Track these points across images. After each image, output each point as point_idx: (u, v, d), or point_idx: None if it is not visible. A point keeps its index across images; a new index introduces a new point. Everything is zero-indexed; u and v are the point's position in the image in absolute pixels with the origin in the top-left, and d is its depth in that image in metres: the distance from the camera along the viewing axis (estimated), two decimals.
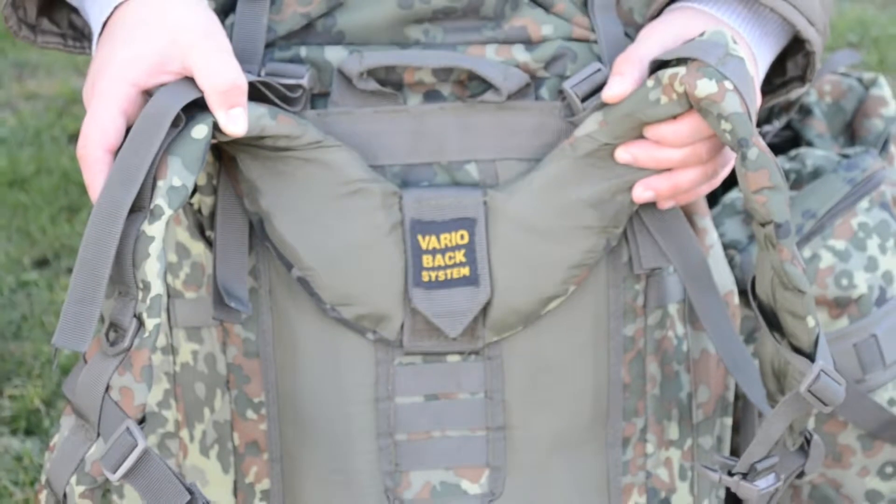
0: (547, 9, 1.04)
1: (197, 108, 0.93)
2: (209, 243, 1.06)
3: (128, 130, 0.92)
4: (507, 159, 1.04)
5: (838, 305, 1.23)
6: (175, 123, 0.91)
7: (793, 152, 1.34)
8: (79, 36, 1.08)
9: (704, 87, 0.95)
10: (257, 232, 1.03)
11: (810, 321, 0.98)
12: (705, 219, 1.12)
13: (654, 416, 1.10)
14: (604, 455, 1.09)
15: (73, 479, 0.94)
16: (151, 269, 0.89)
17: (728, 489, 1.10)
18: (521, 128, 1.03)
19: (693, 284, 1.07)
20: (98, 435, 0.92)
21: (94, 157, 0.92)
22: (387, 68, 1.02)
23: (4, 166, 2.66)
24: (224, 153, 1.02)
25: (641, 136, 1.01)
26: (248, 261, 1.04)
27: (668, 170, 1.02)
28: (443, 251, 1.02)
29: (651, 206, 1.05)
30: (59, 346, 0.90)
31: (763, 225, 0.97)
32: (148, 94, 0.94)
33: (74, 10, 1.07)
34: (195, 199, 1.05)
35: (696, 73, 0.95)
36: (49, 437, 1.89)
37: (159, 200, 0.89)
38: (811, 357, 0.98)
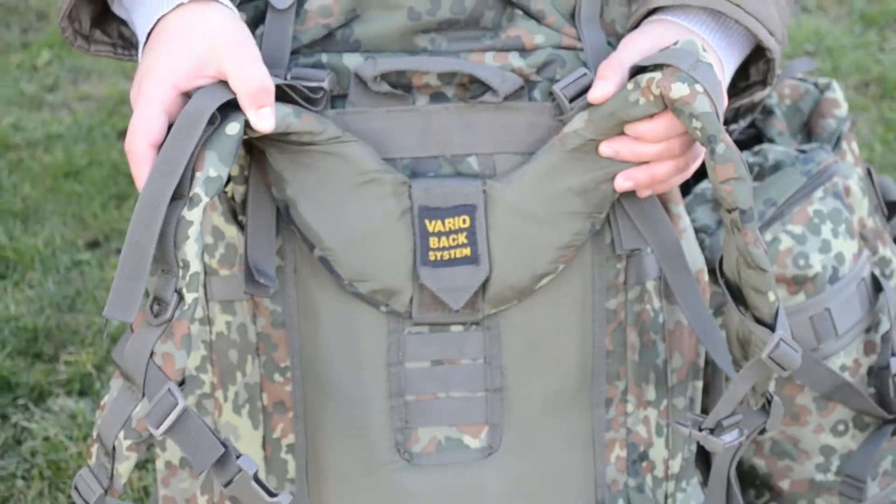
0: (539, 21, 1.04)
1: (230, 108, 0.93)
2: (241, 227, 1.06)
3: (169, 128, 0.92)
4: (503, 153, 1.04)
5: (796, 283, 1.23)
6: (211, 121, 0.91)
7: (756, 148, 1.34)
8: (127, 45, 1.08)
9: (678, 90, 0.95)
10: (284, 217, 1.03)
11: (771, 296, 0.98)
12: (679, 206, 1.12)
13: (633, 380, 1.11)
14: (589, 414, 1.09)
15: (121, 435, 0.94)
16: (190, 250, 0.89)
17: (698, 443, 1.09)
18: (517, 125, 1.04)
19: (668, 264, 1.07)
20: (143, 395, 0.92)
21: (140, 152, 0.92)
22: (398, 73, 1.02)
23: (61, 159, 2.67)
24: (254, 147, 1.01)
25: (622, 133, 1.01)
26: (276, 242, 1.04)
27: (646, 163, 1.02)
28: (447, 234, 1.02)
29: (631, 194, 1.04)
30: (110, 318, 0.90)
31: (730, 211, 0.97)
32: (187, 95, 0.93)
33: (123, 23, 1.06)
34: (229, 188, 1.05)
35: (671, 78, 0.95)
36: (100, 398, 1.87)
37: (197, 189, 0.89)
38: (772, 328, 0.99)
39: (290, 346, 1.06)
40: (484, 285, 1.03)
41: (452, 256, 1.02)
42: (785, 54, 2.99)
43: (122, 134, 2.79)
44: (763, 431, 1.07)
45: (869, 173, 1.39)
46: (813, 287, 1.24)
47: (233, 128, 0.92)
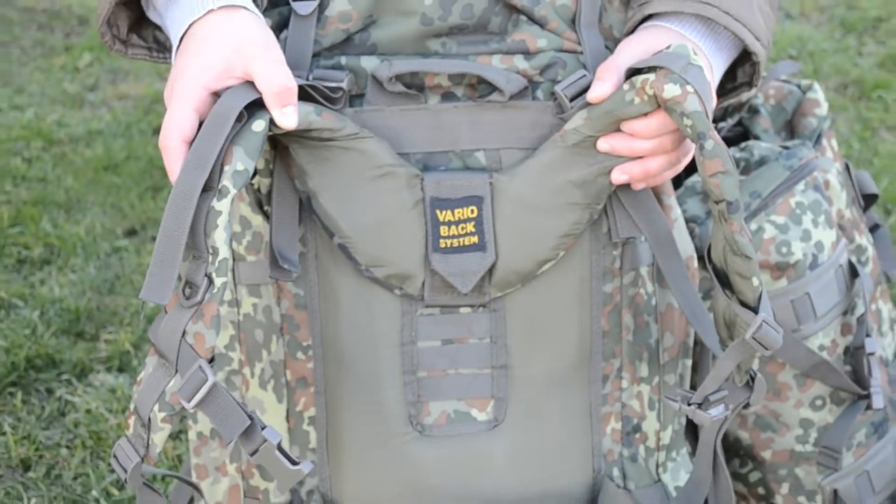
0: (542, 26, 1.04)
1: (256, 106, 0.93)
2: (266, 216, 1.05)
3: (200, 125, 0.92)
4: (509, 148, 1.04)
5: (779, 269, 1.24)
6: (238, 119, 0.91)
7: (743, 144, 1.34)
8: (161, 49, 1.08)
9: (670, 91, 0.95)
10: (306, 207, 1.03)
11: (755, 281, 0.98)
12: (671, 198, 1.12)
13: (628, 358, 1.11)
14: (587, 389, 1.09)
15: (156, 408, 0.94)
16: (220, 238, 0.90)
17: (687, 417, 1.10)
18: (521, 123, 1.03)
19: (660, 250, 1.06)
20: (176, 371, 0.92)
21: (174, 147, 0.92)
22: (411, 74, 1.02)
23: (101, 154, 2.68)
24: (279, 143, 1.01)
25: (618, 130, 1.01)
26: (299, 230, 1.04)
27: (640, 158, 1.01)
28: (456, 223, 1.02)
29: (626, 186, 1.04)
30: (146, 300, 0.90)
31: (717, 203, 0.97)
32: (216, 95, 0.93)
33: (158, 28, 1.07)
34: (255, 180, 1.05)
35: (664, 79, 0.95)
36: (137, 374, 1.89)
37: (226, 182, 0.89)
38: (755, 310, 0.99)
39: (311, 327, 1.06)
40: (490, 270, 1.03)
41: (461, 244, 1.02)
42: (770, 58, 2.99)
43: (157, 130, 2.81)
44: (747, 406, 1.07)
45: (847, 168, 1.40)
46: (794, 273, 1.24)
47: (259, 125, 0.92)
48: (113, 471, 1.69)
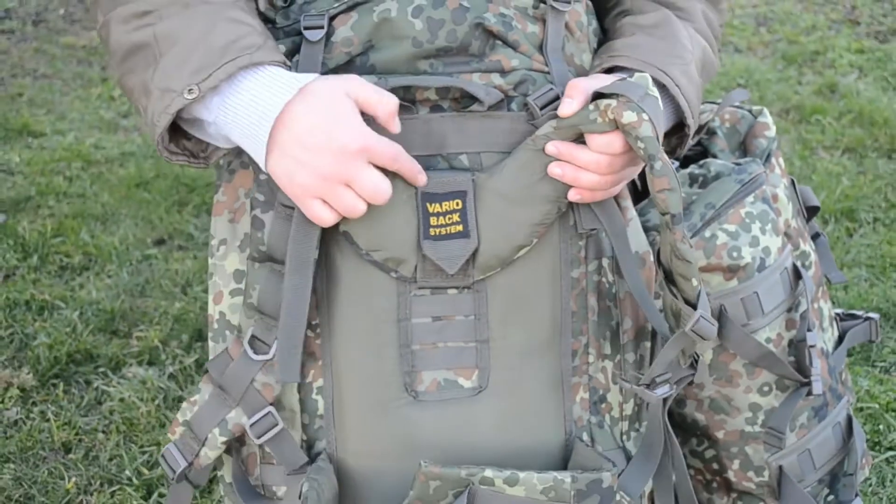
0: (514, 49, 1.07)
1: None
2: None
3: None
4: (488, 152, 1.06)
5: (730, 271, 1.25)
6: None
7: (702, 161, 1.36)
8: (197, 154, 1.07)
9: (628, 117, 0.98)
10: None
11: (694, 282, 1.02)
12: (626, 201, 1.13)
13: (593, 336, 1.12)
14: (559, 361, 1.10)
15: (217, 431, 1.04)
16: None
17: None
18: (498, 130, 1.06)
19: (616, 242, 1.08)
20: (237, 405, 1.03)
21: (384, 144, 0.99)
22: (404, 88, 1.05)
23: (133, 173, 2.67)
24: None
25: (580, 139, 1.03)
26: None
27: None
28: (444, 214, 1.04)
29: None
30: (284, 381, 1.03)
31: (663, 214, 1.00)
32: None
33: (191, 138, 1.06)
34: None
35: (623, 106, 0.99)
36: (164, 367, 1.91)
37: None
38: (695, 307, 1.02)
39: (319, 307, 1.07)
40: (474, 255, 1.05)
41: (448, 232, 1.04)
42: (721, 86, 3.05)
43: None
44: (691, 384, 1.11)
45: (793, 183, 1.41)
46: (744, 274, 1.25)
47: None
48: (144, 452, 1.71)
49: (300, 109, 0.96)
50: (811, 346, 1.28)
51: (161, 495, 1.64)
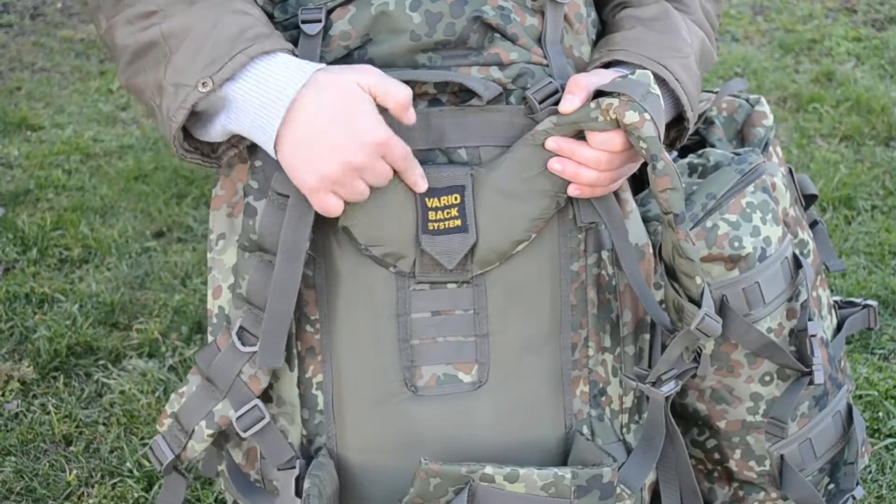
0: (513, 41, 1.07)
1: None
2: None
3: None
4: (487, 146, 1.06)
5: (731, 261, 1.24)
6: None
7: (700, 151, 1.34)
8: (209, 154, 1.07)
9: (630, 117, 0.98)
10: None
11: (698, 280, 1.01)
12: (626, 193, 1.13)
13: (593, 330, 1.12)
14: (559, 355, 1.10)
15: (203, 423, 1.03)
16: None
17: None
18: (497, 124, 1.06)
19: (615, 235, 1.08)
20: (224, 397, 1.02)
21: (393, 139, 0.99)
22: (403, 83, 1.02)
23: (132, 165, 2.68)
24: None
25: (580, 135, 1.03)
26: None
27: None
28: (443, 208, 1.04)
29: None
30: (263, 366, 1.01)
31: (666, 213, 1.00)
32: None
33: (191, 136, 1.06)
34: None
35: (625, 106, 0.98)
36: (164, 359, 1.91)
37: None
38: (699, 304, 1.02)
39: (319, 302, 1.07)
40: (472, 249, 1.05)
41: (447, 226, 1.04)
42: (719, 75, 3.05)
43: None
44: (695, 376, 1.10)
45: (790, 172, 1.40)
46: (745, 264, 1.24)
47: None
48: (145, 444, 1.71)
49: (314, 98, 0.97)
50: (812, 336, 1.27)
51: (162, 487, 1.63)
